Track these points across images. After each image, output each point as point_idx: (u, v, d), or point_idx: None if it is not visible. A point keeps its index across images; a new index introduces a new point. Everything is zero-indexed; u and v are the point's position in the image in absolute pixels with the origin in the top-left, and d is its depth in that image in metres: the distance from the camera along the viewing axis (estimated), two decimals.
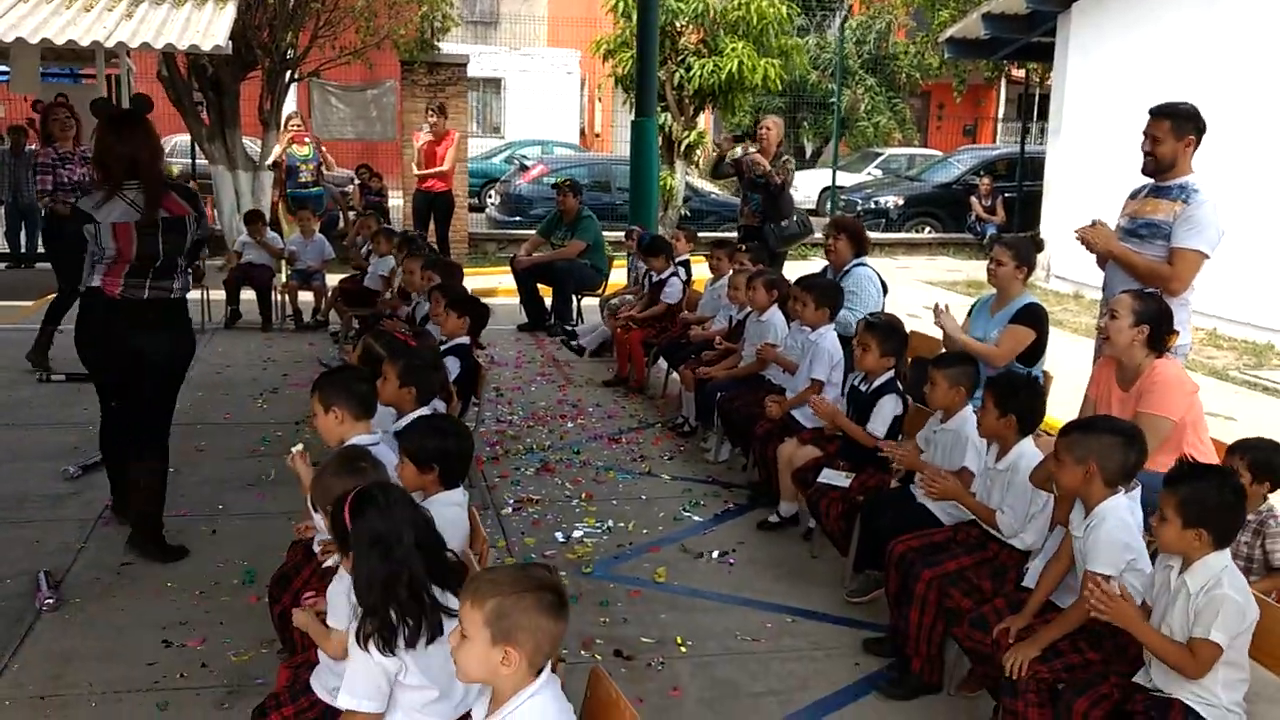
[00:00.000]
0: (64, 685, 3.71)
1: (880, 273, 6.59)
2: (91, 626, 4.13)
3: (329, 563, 3.11)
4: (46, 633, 4.07)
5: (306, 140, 12.29)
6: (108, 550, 4.81)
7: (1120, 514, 3.30)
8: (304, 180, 12.16)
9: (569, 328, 9.70)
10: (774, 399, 5.61)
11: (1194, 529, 2.94)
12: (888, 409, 4.85)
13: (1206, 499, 2.95)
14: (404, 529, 2.61)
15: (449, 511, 3.51)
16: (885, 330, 4.97)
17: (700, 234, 15.00)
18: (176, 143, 19.34)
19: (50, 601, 4.23)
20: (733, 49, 15.02)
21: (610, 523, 5.43)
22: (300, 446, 3.78)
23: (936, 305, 5.48)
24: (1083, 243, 4.90)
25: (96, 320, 4.62)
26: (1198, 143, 4.79)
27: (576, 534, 5.29)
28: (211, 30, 10.98)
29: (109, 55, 11.33)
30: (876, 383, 4.92)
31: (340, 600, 2.91)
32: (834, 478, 4.83)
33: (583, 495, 5.81)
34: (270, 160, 12.72)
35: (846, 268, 6.41)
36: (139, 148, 4.55)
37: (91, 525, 5.10)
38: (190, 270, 4.87)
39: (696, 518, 5.57)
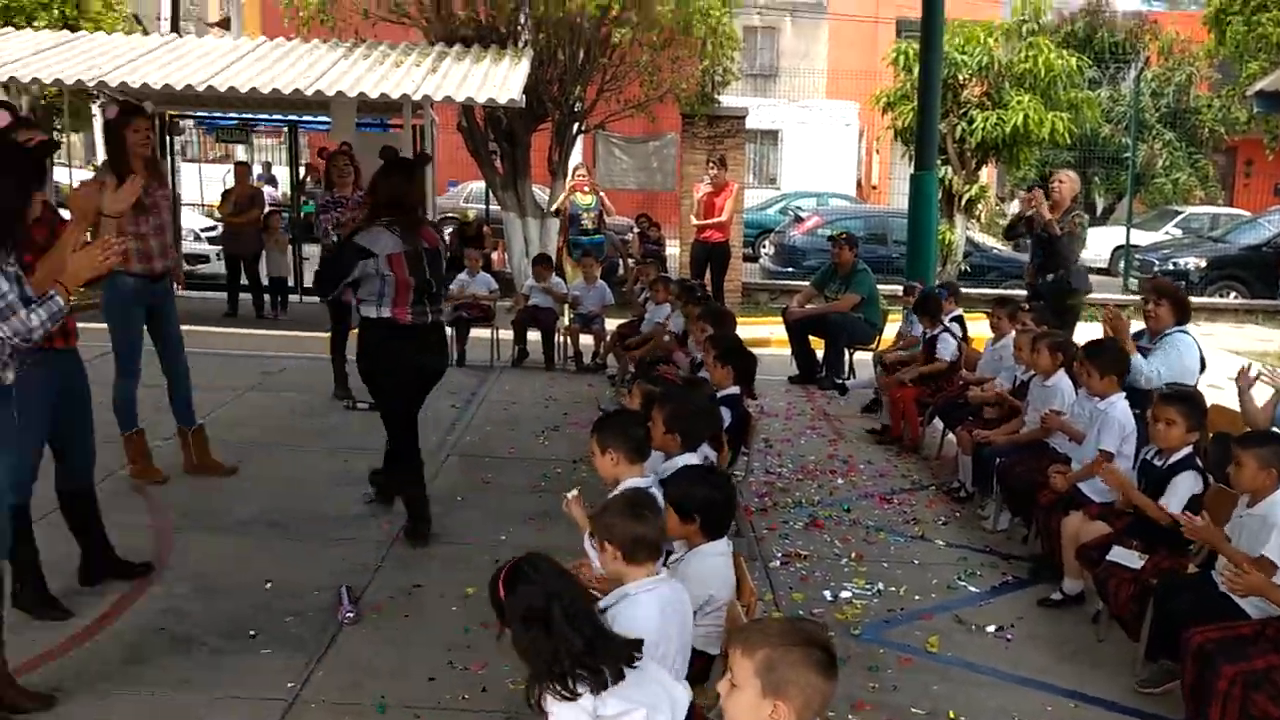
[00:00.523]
0: (359, 694, 3.96)
1: (1201, 345, 6.15)
2: (384, 642, 4.40)
3: (601, 604, 3.18)
4: (346, 644, 4.37)
5: (586, 189, 12.80)
6: (401, 571, 5.11)
7: None
8: (585, 227, 12.67)
9: (840, 381, 9.61)
10: (1059, 469, 5.34)
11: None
12: (1185, 486, 4.52)
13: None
14: (553, 604, 2.65)
15: (713, 561, 3.54)
16: (1186, 403, 4.65)
17: (981, 290, 14.66)
18: (471, 189, 20.61)
19: (350, 615, 4.55)
20: (1018, 102, 14.58)
21: (881, 585, 5.30)
22: (575, 491, 3.92)
23: (1241, 370, 5.10)
24: None
25: (390, 346, 5.28)
26: None
27: (845, 594, 5.19)
28: (507, 84, 11.65)
29: (415, 107, 12.21)
30: (1174, 458, 4.60)
31: None
32: (1125, 557, 4.53)
33: (853, 555, 5.71)
34: (554, 207, 13.33)
35: (1166, 333, 6.04)
36: (404, 189, 5.28)
37: (388, 546, 5.43)
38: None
39: (972, 588, 5.36)
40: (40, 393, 4.24)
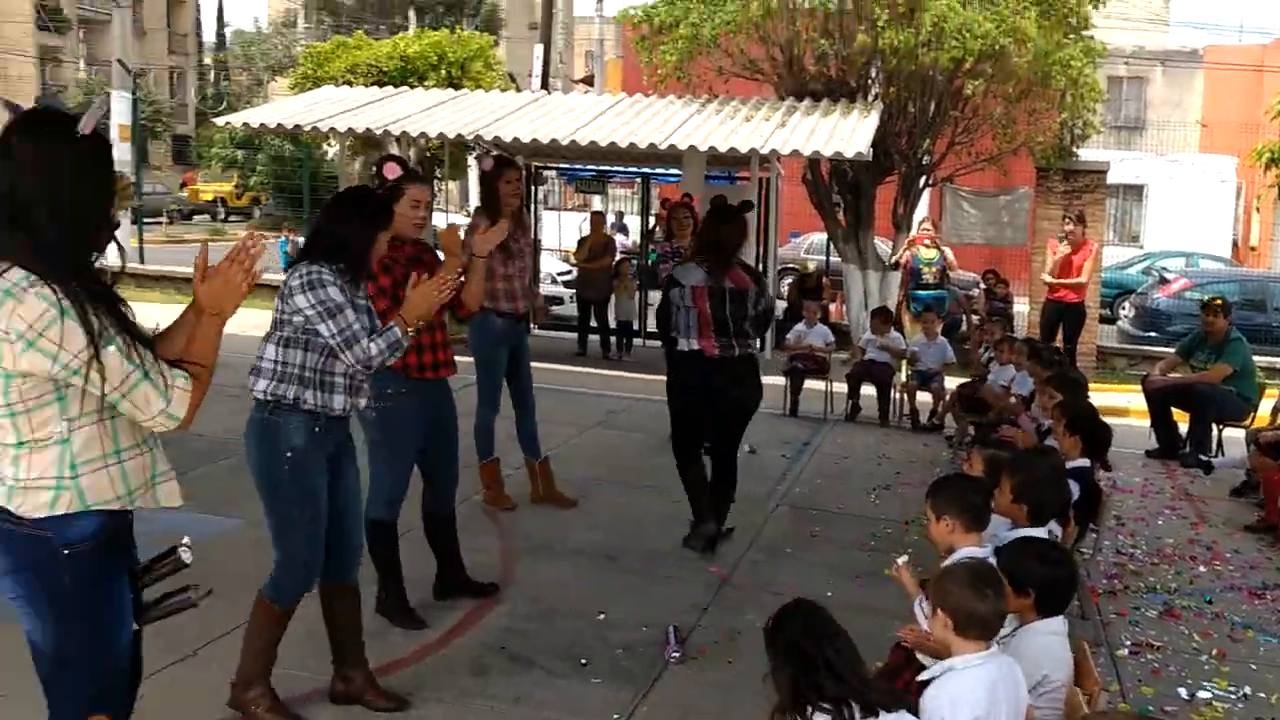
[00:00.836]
0: None
1: None
2: (708, 684, 4.43)
3: (924, 675, 3.07)
4: (671, 683, 4.44)
5: (927, 242, 12.52)
6: (727, 615, 5.14)
7: None
8: (926, 281, 12.39)
9: (1205, 459, 8.82)
10: None
11: None
12: None
13: None
14: (823, 645, 2.80)
15: (1046, 640, 3.37)
16: None
17: None
18: (812, 241, 20.70)
19: (676, 655, 4.62)
20: None
21: (1248, 689, 4.77)
22: (905, 558, 3.81)
23: None
24: None
25: (696, 375, 5.75)
26: None
27: (1204, 694, 4.71)
28: (855, 137, 11.62)
29: (762, 160, 12.42)
30: None
31: (941, 710, 2.88)
32: None
33: (1214, 651, 5.18)
34: (894, 259, 13.12)
35: None
36: (723, 231, 5.77)
37: (717, 588, 5.50)
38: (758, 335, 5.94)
39: None
40: (414, 419, 4.64)
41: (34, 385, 2.42)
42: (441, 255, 4.65)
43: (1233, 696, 4.71)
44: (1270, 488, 7.27)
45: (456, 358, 4.92)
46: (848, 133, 11.90)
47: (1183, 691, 4.73)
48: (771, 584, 5.62)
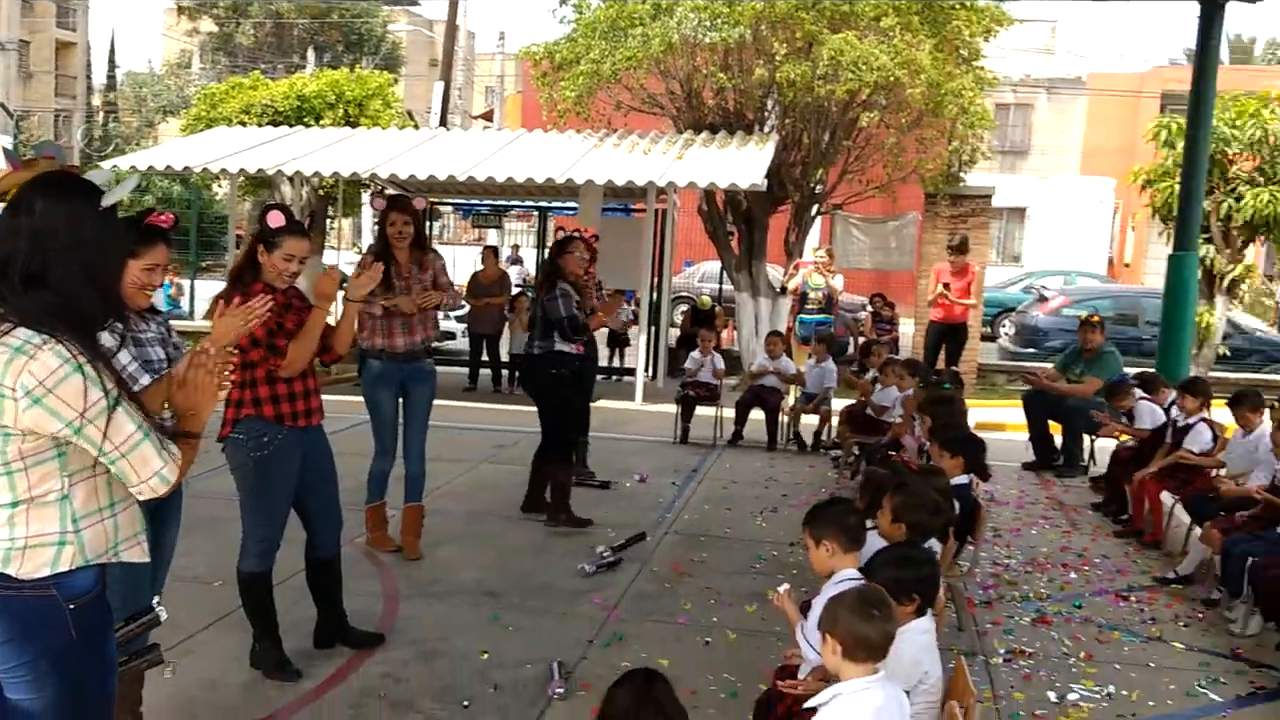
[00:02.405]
0: None
1: None
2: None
3: (811, 703, 3.14)
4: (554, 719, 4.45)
5: (810, 267, 12.82)
6: (613, 649, 5.16)
7: None
8: (812, 308, 12.66)
9: (1083, 464, 9.17)
10: None
11: None
12: None
13: None
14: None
15: (923, 639, 3.51)
16: None
17: (1241, 375, 13.67)
18: (705, 269, 20.98)
19: (560, 691, 4.61)
20: None
21: (1112, 688, 4.96)
22: (786, 586, 3.89)
23: None
24: None
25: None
26: None
27: (1073, 696, 4.88)
28: (750, 169, 11.88)
29: (659, 192, 12.61)
30: None
31: None
32: None
33: (1082, 654, 5.38)
34: (782, 285, 13.36)
35: None
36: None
37: (601, 622, 5.52)
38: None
39: (1215, 696, 4.94)
40: (287, 468, 4.57)
41: (35, 443, 2.41)
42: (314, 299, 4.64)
43: (1098, 696, 4.89)
44: (1136, 495, 7.58)
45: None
46: (743, 164, 12.15)
47: (1052, 695, 4.89)
48: (656, 613, 5.68)
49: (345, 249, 19.83)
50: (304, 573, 4.99)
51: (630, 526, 7.11)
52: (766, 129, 13.82)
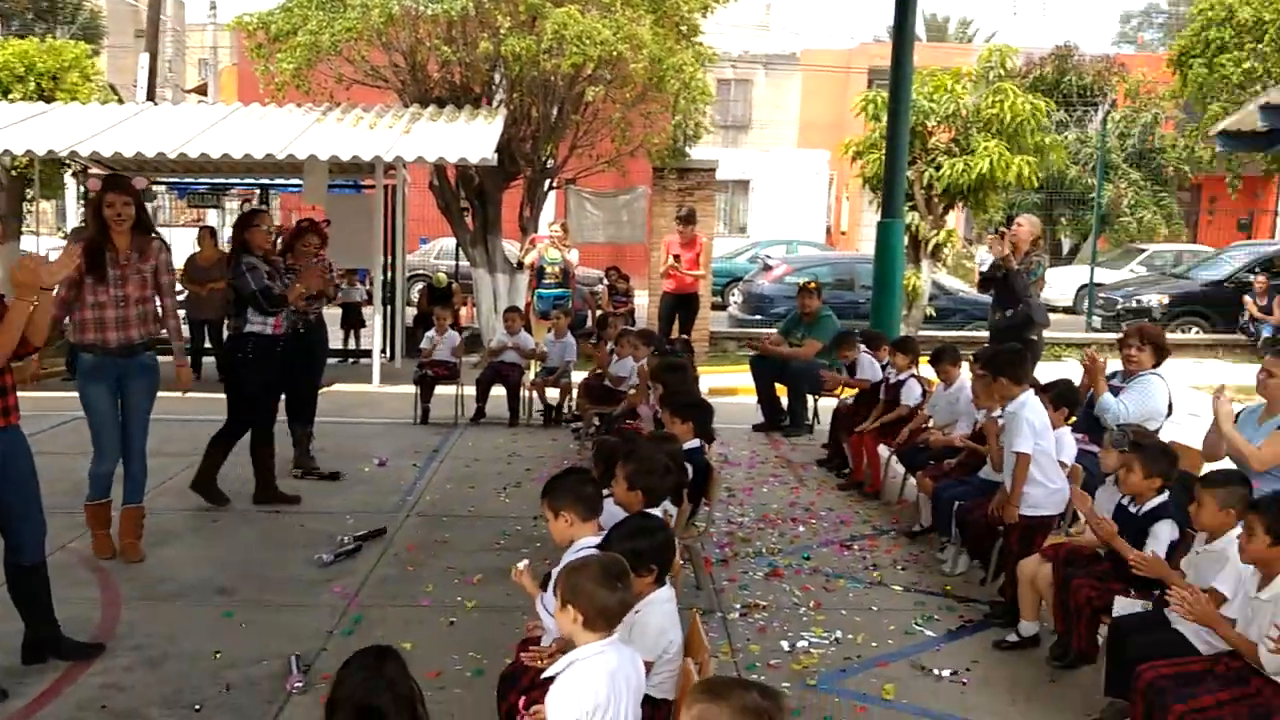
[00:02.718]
0: None
1: (1171, 389, 6.16)
2: None
3: (549, 672, 3.17)
4: (294, 715, 4.30)
5: (545, 242, 12.89)
6: (354, 637, 5.02)
7: None
8: (550, 282, 12.74)
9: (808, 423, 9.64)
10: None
11: None
12: (1165, 534, 4.46)
13: None
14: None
15: (668, 608, 3.59)
16: (1152, 453, 4.63)
17: (947, 333, 14.76)
18: (441, 246, 20.71)
19: (299, 685, 4.47)
20: (985, 148, 14.74)
21: (839, 633, 5.28)
22: (525, 562, 3.90)
23: (1221, 387, 5.14)
24: None
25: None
26: None
27: (803, 643, 5.17)
28: (480, 143, 11.75)
29: (387, 167, 12.30)
30: (1148, 506, 4.57)
31: (563, 704, 2.99)
32: (1129, 606, 4.50)
33: (811, 603, 5.69)
34: (522, 260, 13.35)
35: (1140, 375, 6.10)
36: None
37: (342, 611, 5.38)
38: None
39: (929, 632, 5.34)
40: None
41: None
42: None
43: (826, 642, 5.19)
44: (854, 449, 8.06)
45: None
46: (473, 138, 12.00)
47: (785, 644, 5.15)
48: (399, 597, 5.59)
49: (49, 234, 18.27)
50: (3, 584, 4.63)
51: (371, 511, 6.96)
52: (495, 103, 13.72)
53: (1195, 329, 17.14)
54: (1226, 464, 4.95)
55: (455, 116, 12.92)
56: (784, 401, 10.07)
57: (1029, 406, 5.38)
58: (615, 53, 12.39)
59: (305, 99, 13.51)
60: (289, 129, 12.39)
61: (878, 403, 8.09)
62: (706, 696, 2.24)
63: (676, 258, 12.52)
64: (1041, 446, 5.32)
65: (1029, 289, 8.60)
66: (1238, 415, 5.21)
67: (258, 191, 16.81)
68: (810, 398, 9.98)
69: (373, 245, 12.91)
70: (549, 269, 12.73)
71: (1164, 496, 4.56)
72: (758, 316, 17.05)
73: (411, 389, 10.24)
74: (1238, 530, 4.04)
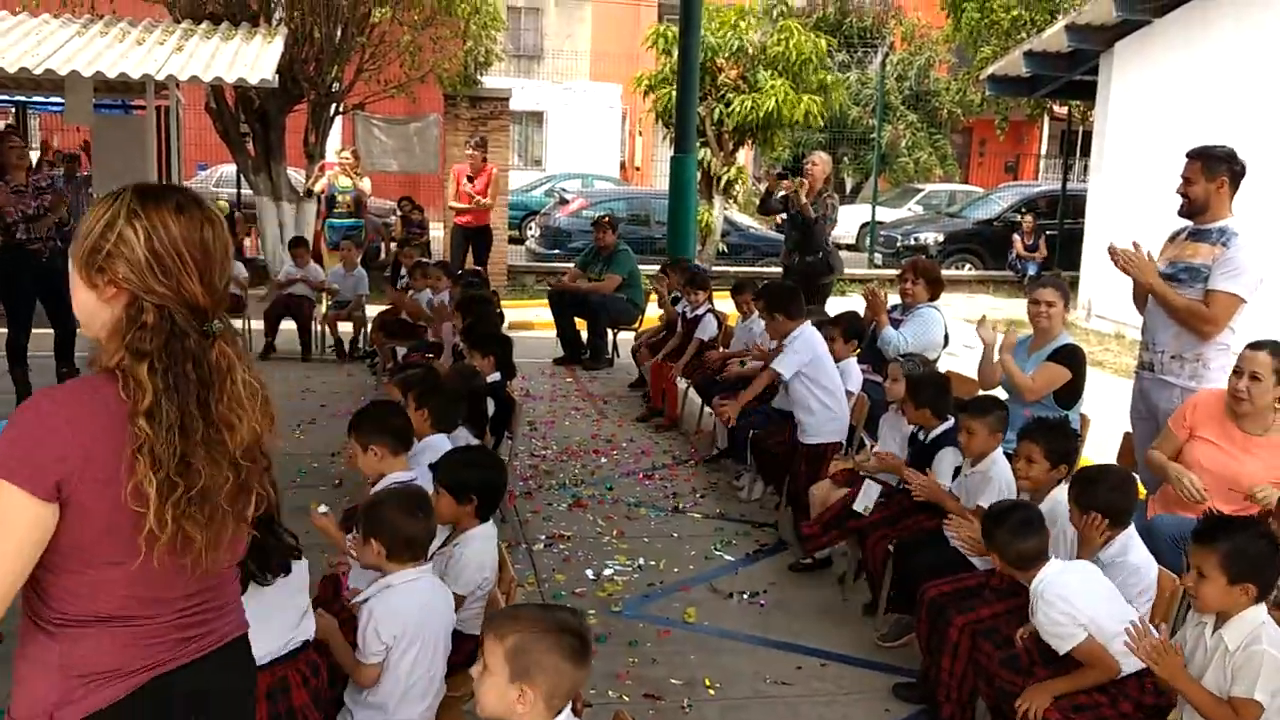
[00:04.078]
0: None
1: (947, 322, 6.50)
2: None
3: (360, 597, 3.14)
4: None
5: (334, 170, 12.45)
6: None
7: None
8: (342, 212, 12.32)
9: (608, 358, 9.76)
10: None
11: (1241, 584, 2.88)
12: (949, 460, 4.71)
13: (1248, 551, 2.89)
14: None
15: (486, 545, 3.57)
16: (920, 384, 4.88)
17: (739, 268, 15.14)
18: (222, 173, 19.69)
19: None
20: (772, 86, 15.06)
21: (641, 560, 5.41)
22: (325, 508, 3.80)
23: (983, 317, 5.48)
24: (1122, 267, 4.82)
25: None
26: (1234, 185, 4.73)
27: (607, 571, 5.27)
28: (259, 64, 11.16)
29: (159, 87, 11.55)
30: (935, 433, 4.82)
31: (371, 635, 2.98)
32: (868, 491, 4.78)
33: (614, 532, 5.80)
34: (316, 189, 12.84)
35: (918, 308, 6.40)
36: None
37: None
38: None
39: (728, 557, 5.54)
40: None
41: None
42: None
43: (629, 569, 5.31)
44: (654, 381, 8.21)
45: None
46: (251, 58, 11.36)
47: (589, 573, 5.25)
48: None
49: None
50: None
51: None
52: (274, 22, 13.05)
53: (968, 265, 18.18)
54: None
55: (232, 34, 12.19)
56: (584, 335, 10.12)
57: (801, 339, 5.69)
58: None
59: (63, 10, 12.48)
60: (47, 42, 11.41)
61: (674, 334, 8.25)
62: (520, 624, 2.25)
63: (470, 180, 12.28)
64: (810, 376, 5.61)
65: (827, 238, 8.87)
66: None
67: (13, 110, 15.53)
68: (610, 331, 10.06)
69: (145, 170, 12.11)
70: (340, 198, 12.29)
71: (949, 423, 4.80)
72: (555, 251, 17.01)
73: None
74: (999, 451, 4.35)
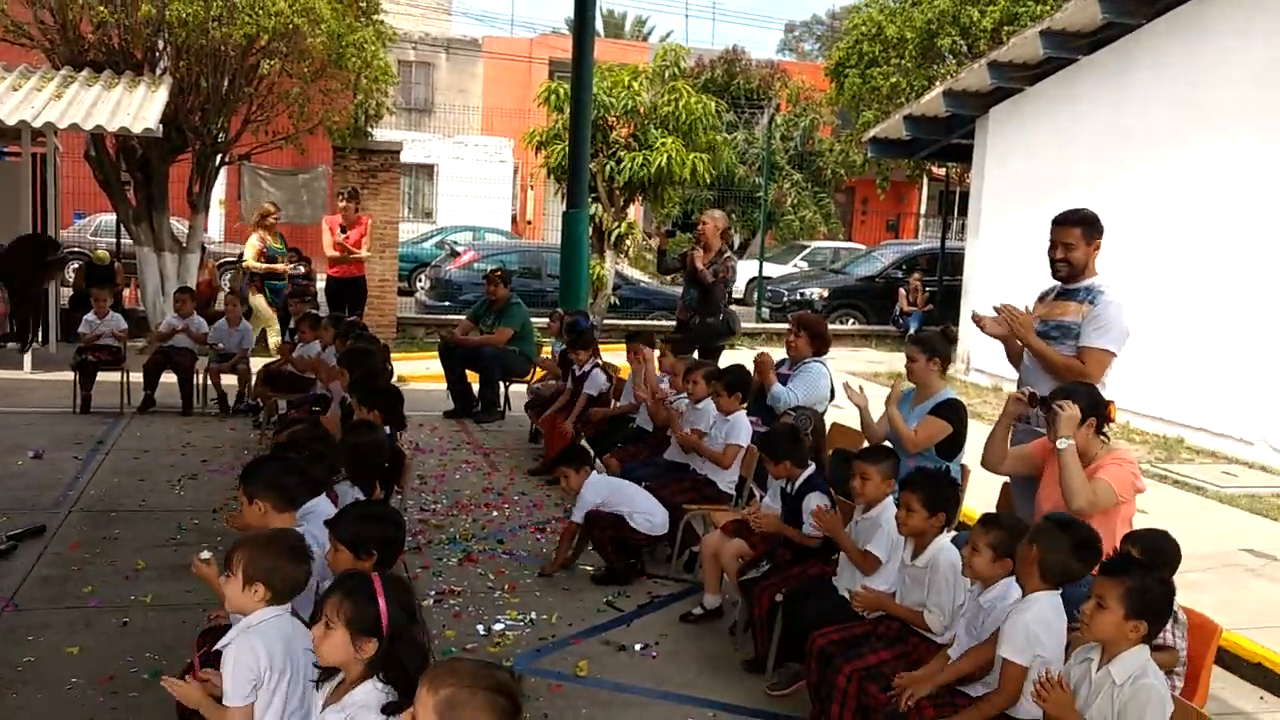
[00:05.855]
0: None
1: (833, 376, 6.63)
2: None
3: (222, 642, 3.08)
4: None
5: (258, 233, 12.32)
6: (11, 644, 4.62)
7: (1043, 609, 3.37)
8: (295, 274, 12.37)
9: (500, 410, 9.72)
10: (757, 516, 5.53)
11: (1135, 620, 3.00)
12: (813, 502, 4.85)
13: (1150, 591, 3.02)
14: None
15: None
16: (780, 442, 5.08)
17: (630, 321, 15.26)
18: (101, 222, 19.16)
19: None
20: (662, 144, 15.33)
21: (533, 614, 5.38)
22: (207, 553, 3.73)
23: (846, 383, 5.66)
24: (991, 331, 5.02)
25: None
26: (1100, 245, 4.97)
27: (498, 626, 5.23)
28: (143, 113, 10.97)
29: (36, 134, 11.24)
30: (799, 481, 4.97)
31: (238, 677, 2.95)
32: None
33: (505, 586, 5.75)
34: (250, 254, 12.44)
35: (804, 362, 6.54)
36: None
37: None
38: None
39: (620, 609, 5.54)
40: None
41: None
42: None
43: (521, 623, 5.27)
44: (547, 434, 8.20)
45: None
46: (135, 107, 11.17)
47: (480, 628, 5.19)
48: (64, 599, 5.18)
49: None
50: None
51: (26, 509, 6.38)
52: (159, 71, 12.83)
53: (851, 320, 18.63)
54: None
55: (114, 82, 11.97)
56: (475, 388, 10.06)
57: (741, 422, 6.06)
58: (291, 25, 11.92)
59: None
60: None
61: (564, 391, 8.29)
62: (454, 679, 2.25)
63: (344, 230, 12.12)
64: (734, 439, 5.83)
65: (726, 300, 8.98)
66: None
67: None
68: (501, 383, 10.03)
69: (19, 218, 11.73)
70: (280, 259, 12.27)
71: (810, 469, 5.00)
72: (446, 303, 16.89)
73: (69, 375, 9.43)
74: (889, 499, 4.48)
